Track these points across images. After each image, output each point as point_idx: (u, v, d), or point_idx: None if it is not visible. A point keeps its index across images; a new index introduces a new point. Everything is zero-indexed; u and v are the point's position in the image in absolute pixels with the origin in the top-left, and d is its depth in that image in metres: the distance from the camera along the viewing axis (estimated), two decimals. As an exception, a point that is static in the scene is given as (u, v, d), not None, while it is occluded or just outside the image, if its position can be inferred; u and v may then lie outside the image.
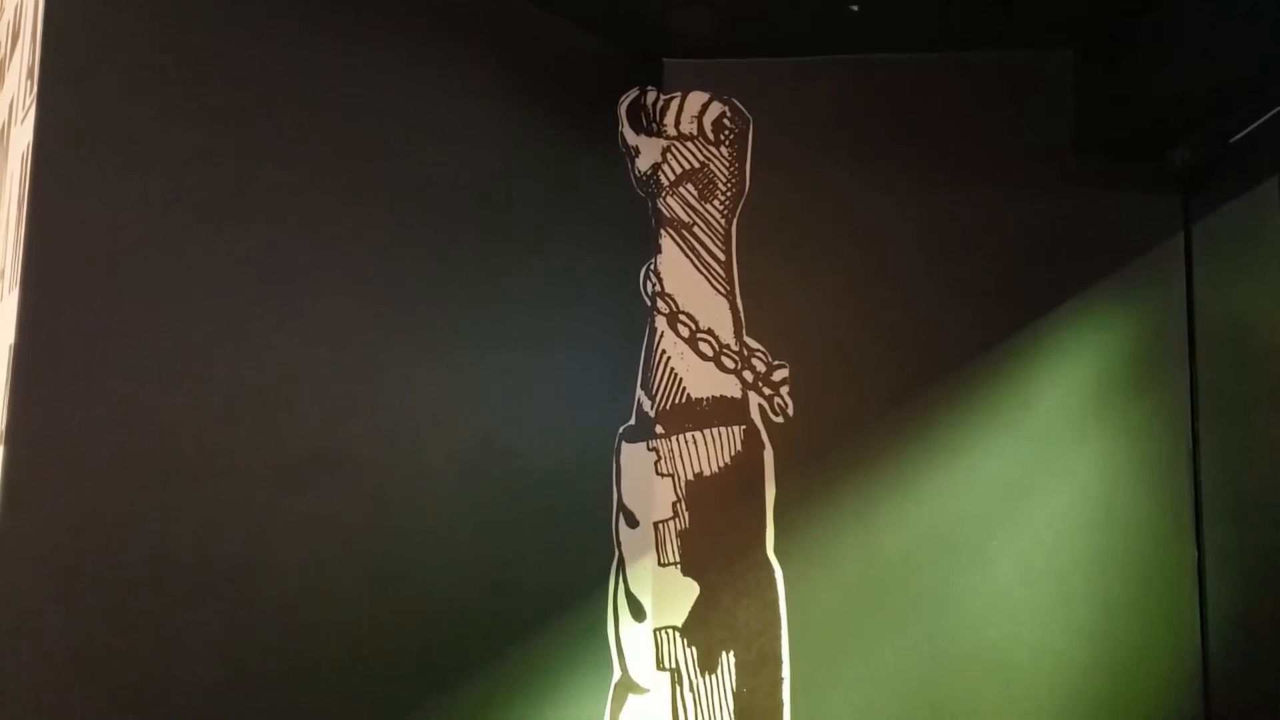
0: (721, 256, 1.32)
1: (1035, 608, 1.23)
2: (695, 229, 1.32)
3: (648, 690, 1.25)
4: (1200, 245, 1.29)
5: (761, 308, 1.30)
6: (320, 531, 0.99)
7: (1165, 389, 1.28)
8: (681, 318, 1.31)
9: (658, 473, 1.29)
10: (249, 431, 0.95)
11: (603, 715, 1.22)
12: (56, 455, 0.85)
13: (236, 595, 0.93)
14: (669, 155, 1.33)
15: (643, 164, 1.33)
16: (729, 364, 1.31)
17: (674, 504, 1.29)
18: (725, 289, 1.32)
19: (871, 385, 1.28)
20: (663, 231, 1.32)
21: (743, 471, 1.29)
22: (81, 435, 0.86)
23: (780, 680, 1.24)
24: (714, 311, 1.31)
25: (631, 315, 1.30)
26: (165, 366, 0.91)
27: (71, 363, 0.86)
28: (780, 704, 1.23)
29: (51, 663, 0.83)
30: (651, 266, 1.32)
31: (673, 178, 1.33)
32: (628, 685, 1.25)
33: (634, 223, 1.32)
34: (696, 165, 1.33)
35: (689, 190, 1.33)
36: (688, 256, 1.32)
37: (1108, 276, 1.30)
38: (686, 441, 1.29)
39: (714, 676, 1.25)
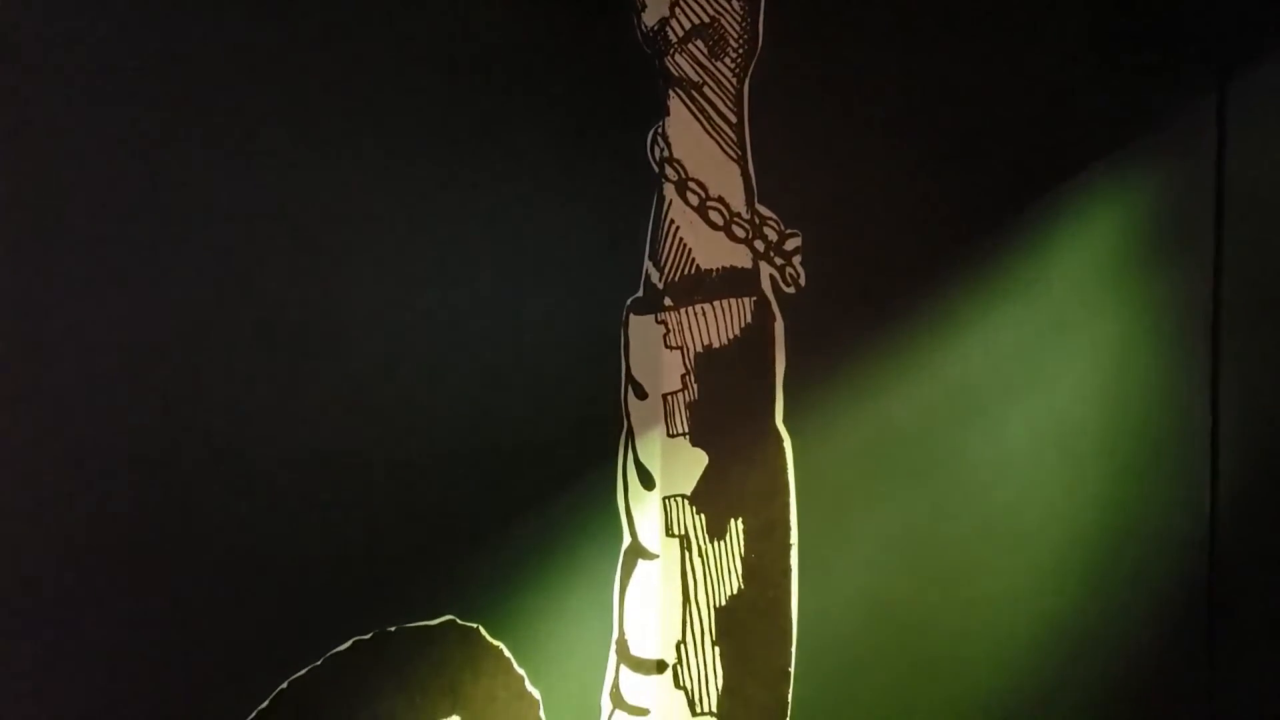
0: (733, 119, 1.25)
1: (1044, 474, 1.24)
2: (705, 89, 1.25)
3: (657, 556, 1.28)
4: (1233, 112, 1.22)
5: (774, 174, 1.25)
6: (325, 400, 0.98)
7: (1188, 261, 1.25)
8: (691, 185, 1.26)
9: (666, 345, 1.27)
10: (251, 303, 0.93)
11: (613, 579, 1.25)
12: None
13: (240, 468, 0.93)
14: (677, 8, 1.24)
15: (649, 18, 1.23)
16: (740, 233, 1.26)
17: (683, 376, 1.27)
18: (736, 154, 1.26)
19: (886, 254, 1.25)
20: (671, 92, 1.25)
21: (753, 343, 1.27)
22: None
23: (789, 546, 1.26)
24: (724, 178, 1.26)
25: (638, 183, 1.25)
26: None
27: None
28: (788, 568, 1.26)
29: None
30: (659, 130, 1.25)
31: (681, 33, 1.24)
32: (638, 551, 1.27)
33: (640, 83, 1.24)
34: (707, 20, 1.24)
35: (698, 47, 1.24)
36: (697, 119, 1.25)
37: (1134, 143, 1.24)
38: (695, 314, 1.27)
39: (723, 543, 1.28)
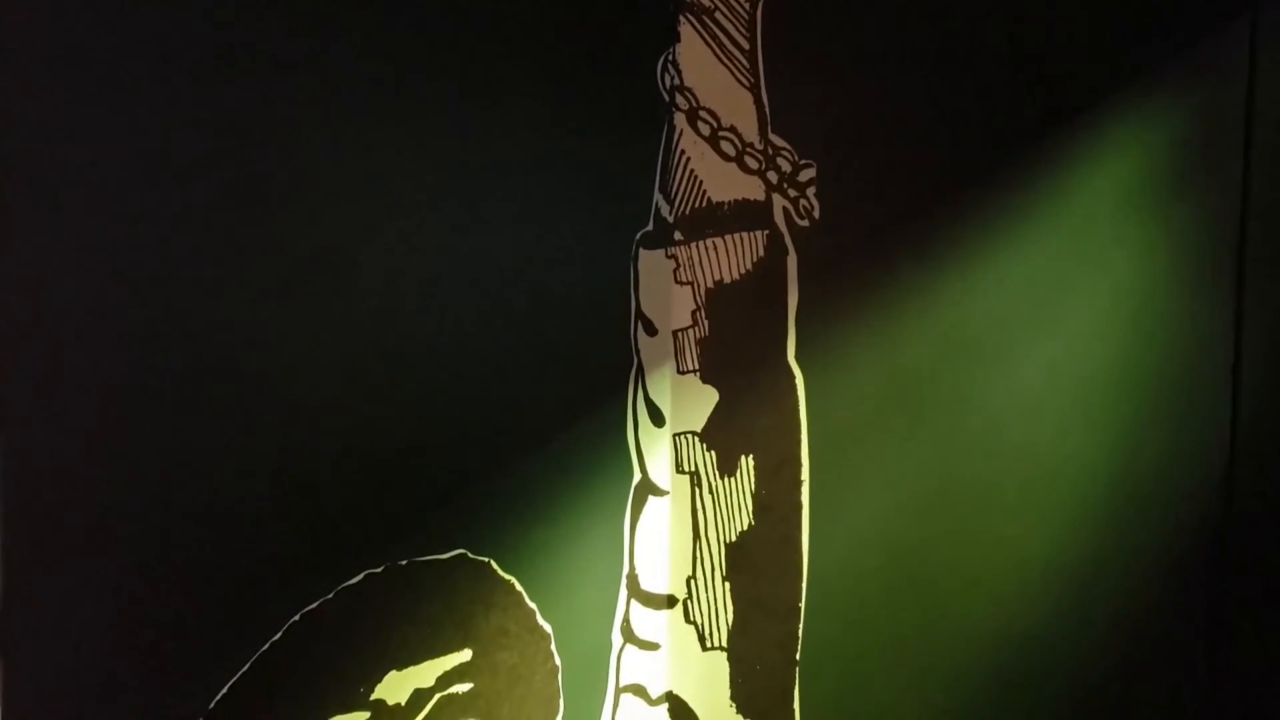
0: (746, 45, 1.21)
1: (1059, 411, 1.23)
2: (718, 15, 1.21)
3: (667, 492, 1.27)
4: (1265, 37, 1.18)
5: (788, 103, 1.21)
6: (329, 333, 0.98)
7: (1214, 190, 1.22)
8: (702, 114, 1.22)
9: (677, 280, 1.25)
10: (253, 230, 0.92)
11: (624, 515, 1.25)
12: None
13: (239, 398, 0.93)
14: (688, -71, 1.20)
15: (659, -61, 1.19)
16: (752, 164, 1.23)
17: (693, 312, 1.26)
18: (749, 82, 1.22)
19: (902, 186, 1.22)
20: (682, 18, 1.21)
21: (764, 278, 1.25)
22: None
23: (800, 482, 1.25)
24: (737, 107, 1.22)
25: (648, 113, 1.22)
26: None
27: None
28: (799, 505, 1.26)
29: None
30: (670, 58, 1.21)
31: (692, -45, 1.20)
32: (648, 487, 1.27)
33: (651, 9, 1.20)
34: (719, -60, 1.19)
35: (710, -31, 1.20)
36: (709, 46, 1.21)
37: (1162, 68, 1.20)
38: (707, 248, 1.24)
39: (733, 479, 1.27)
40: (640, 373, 1.26)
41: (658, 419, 1.27)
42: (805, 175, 1.23)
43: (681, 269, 1.25)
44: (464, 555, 1.08)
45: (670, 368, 1.27)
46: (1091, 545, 1.23)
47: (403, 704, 1.03)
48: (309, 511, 0.97)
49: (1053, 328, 1.24)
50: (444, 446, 1.07)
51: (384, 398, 1.02)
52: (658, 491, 1.27)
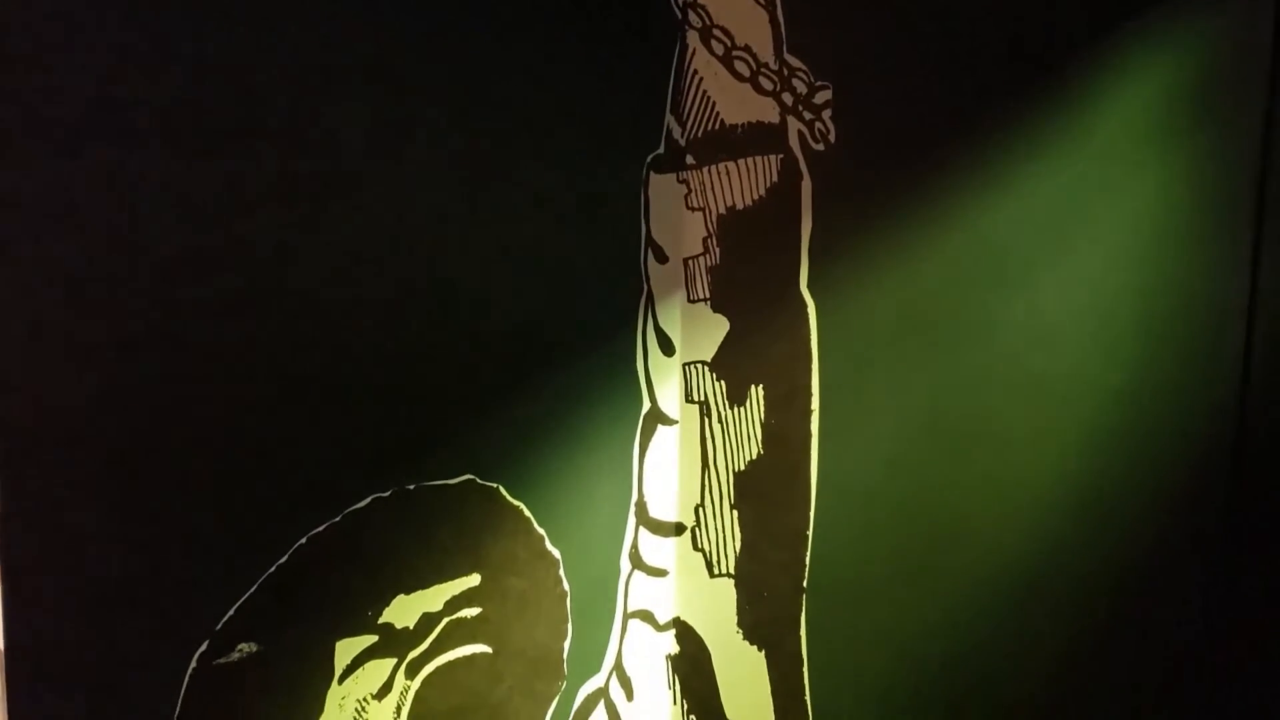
0: (762, -41, 1.17)
1: (1076, 338, 1.21)
2: (733, -75, 1.16)
3: (676, 422, 1.26)
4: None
5: (804, 22, 1.17)
6: (337, 257, 0.96)
7: (1239, 115, 1.18)
8: (715, 32, 1.18)
9: (688, 206, 1.22)
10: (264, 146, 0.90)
11: (633, 444, 1.24)
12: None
13: (244, 321, 0.91)
14: None
15: None
16: (767, 85, 1.19)
17: (704, 239, 1.23)
18: (765, -2, 1.18)
19: (919, 109, 1.18)
20: (695, -71, 1.16)
21: (778, 204, 1.22)
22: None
23: (810, 412, 1.24)
24: (751, 25, 1.18)
25: (659, 30, 1.17)
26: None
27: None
28: (809, 434, 1.25)
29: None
30: (682, -28, 1.17)
31: None
32: (657, 416, 1.26)
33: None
34: None
35: (726, -124, 1.15)
36: (723, -41, 1.17)
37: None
38: (719, 172, 1.21)
39: (743, 409, 1.26)
40: (650, 301, 1.24)
41: (667, 348, 1.26)
42: (821, 97, 1.20)
43: (693, 194, 1.22)
44: (472, 481, 1.08)
45: (680, 296, 1.25)
46: (1105, 474, 1.21)
47: (411, 628, 1.03)
48: (315, 435, 0.96)
49: (1070, 255, 1.21)
50: (452, 372, 1.05)
51: (392, 324, 1.00)
52: (667, 420, 1.26)
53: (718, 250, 1.23)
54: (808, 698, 1.25)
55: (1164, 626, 1.20)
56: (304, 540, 0.95)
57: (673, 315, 1.25)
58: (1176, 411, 1.23)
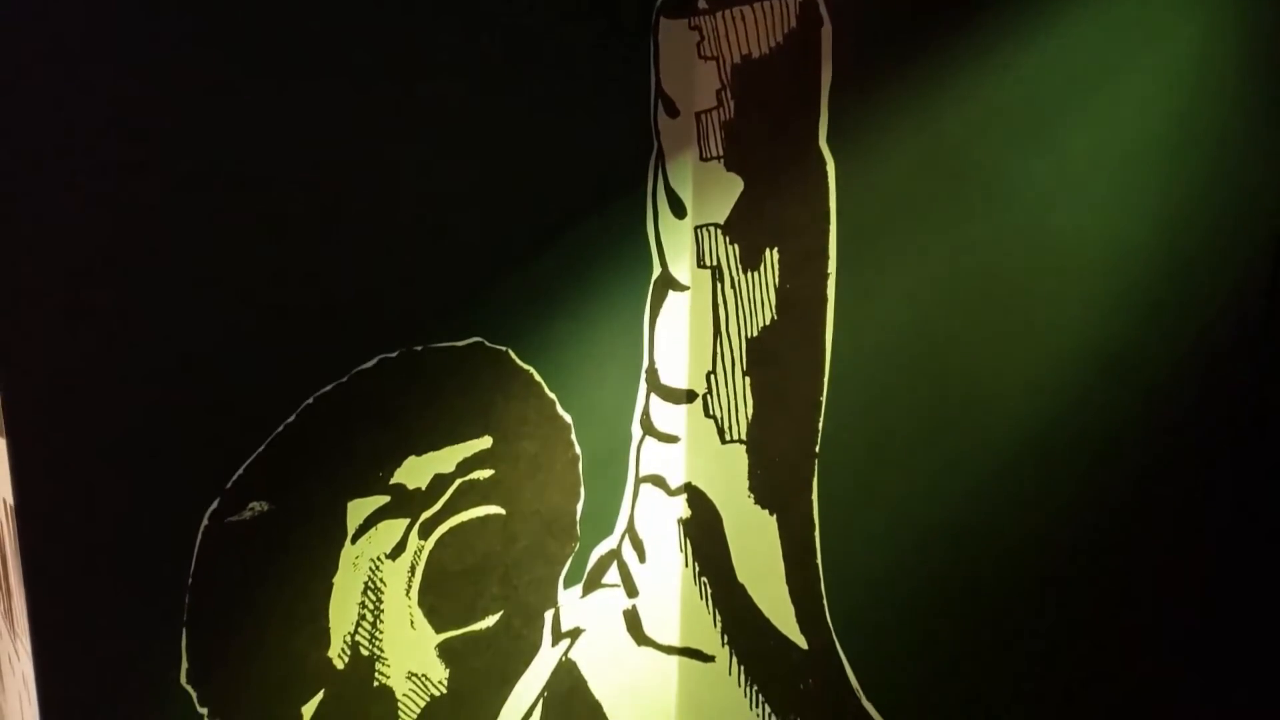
0: None
1: (1105, 194, 1.16)
2: None
3: (688, 288, 1.23)
4: None
5: None
6: (352, 123, 0.91)
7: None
8: None
9: (700, 55, 1.16)
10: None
11: (643, 311, 1.21)
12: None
13: (251, 181, 0.87)
14: None
15: None
16: (786, -79, 1.11)
17: (718, 92, 1.17)
18: None
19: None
20: None
21: (796, 52, 1.15)
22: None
23: (826, 275, 1.21)
24: None
25: None
26: None
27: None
28: (825, 299, 1.22)
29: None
30: None
31: None
32: (668, 282, 1.22)
33: None
34: None
35: None
36: None
37: None
38: (734, 18, 1.14)
39: (756, 273, 1.22)
40: (660, 159, 1.19)
41: (679, 210, 1.21)
42: (844, -66, 1.12)
43: (706, 42, 1.15)
44: (481, 343, 1.05)
45: (692, 154, 1.20)
46: (1130, 337, 1.18)
47: (423, 488, 1.02)
48: (320, 292, 0.93)
49: (1102, 106, 1.15)
50: (458, 230, 1.01)
51: (396, 184, 0.96)
52: (678, 286, 1.23)
53: (732, 104, 1.17)
54: (819, 560, 1.26)
55: (1192, 493, 1.20)
56: (311, 400, 0.93)
57: (684, 174, 1.20)
58: (1206, 272, 1.18)
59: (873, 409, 1.24)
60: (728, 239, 1.22)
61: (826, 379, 1.24)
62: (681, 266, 1.22)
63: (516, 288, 1.08)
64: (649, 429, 1.24)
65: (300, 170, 0.90)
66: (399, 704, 1.05)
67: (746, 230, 1.21)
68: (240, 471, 0.90)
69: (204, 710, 0.91)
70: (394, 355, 0.98)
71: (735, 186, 1.20)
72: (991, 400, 1.22)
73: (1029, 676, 1.25)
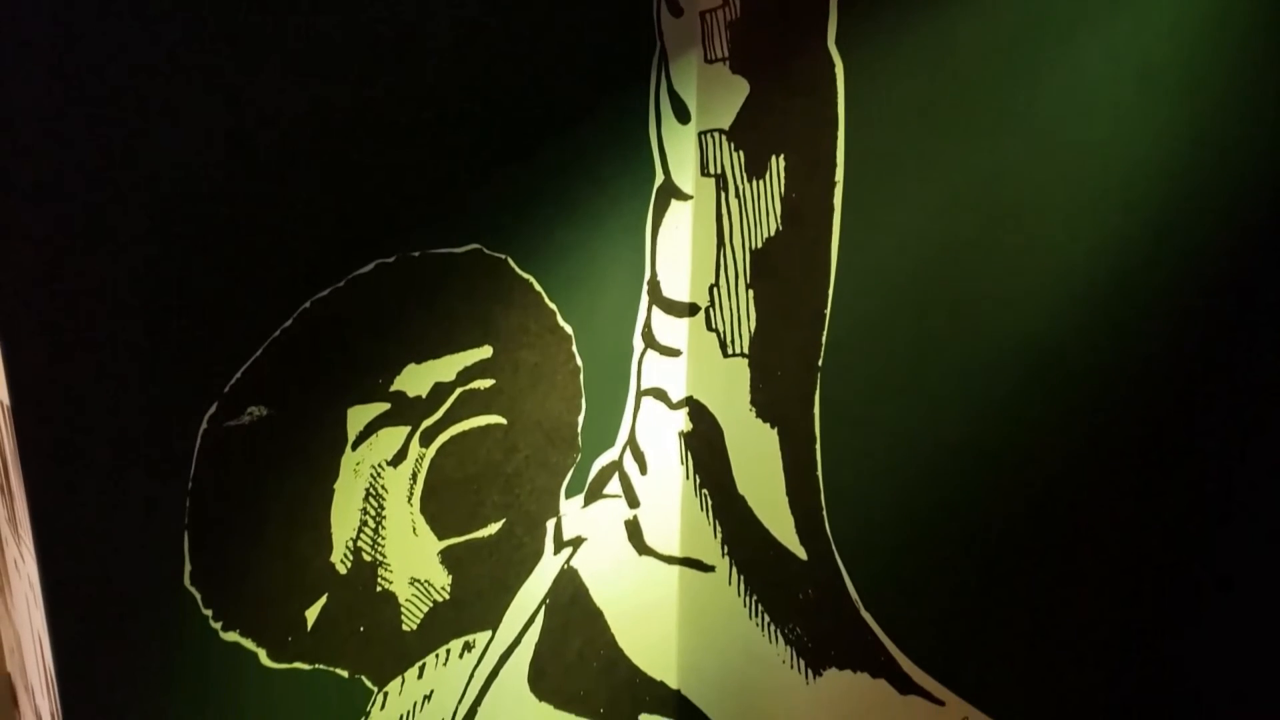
0: None
1: (1120, 104, 1.12)
2: None
3: (691, 197, 1.20)
4: None
5: None
6: (328, 22, 0.87)
7: None
8: None
9: (706, -50, 1.11)
10: None
11: (644, 221, 1.19)
12: None
13: (247, 74, 0.84)
14: None
15: None
16: None
17: (724, -11, 1.13)
18: None
19: None
20: None
21: (806, -52, 1.10)
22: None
23: (834, 184, 1.18)
24: None
25: None
26: None
27: None
28: (831, 208, 1.19)
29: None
30: None
31: None
32: (670, 190, 1.20)
33: None
34: None
35: None
36: None
37: None
38: (742, -91, 1.09)
39: (762, 182, 1.20)
40: (663, 60, 1.15)
41: (682, 114, 1.18)
42: None
43: (712, -64, 1.10)
44: (479, 250, 1.03)
45: (697, 55, 1.16)
46: (1142, 251, 1.16)
47: (424, 396, 1.02)
48: (316, 196, 0.91)
49: (1122, 18, 1.11)
50: (452, 132, 0.98)
51: (394, 80, 0.93)
52: (681, 195, 1.20)
53: (738, 2, 1.13)
54: (819, 473, 1.26)
55: (1199, 411, 1.19)
56: (308, 304, 0.92)
57: (688, 77, 1.17)
58: (1224, 191, 1.16)
59: (877, 322, 1.23)
60: (732, 145, 1.19)
61: (831, 291, 1.22)
62: (685, 174, 1.19)
63: (515, 194, 1.05)
64: (650, 342, 1.23)
65: (295, 67, 0.87)
66: (402, 609, 1.06)
67: (752, 136, 1.18)
68: (238, 375, 0.89)
69: (209, 612, 0.92)
70: (391, 261, 0.97)
71: (741, 90, 1.17)
72: (997, 314, 1.21)
73: (1027, 588, 1.26)
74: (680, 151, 1.18)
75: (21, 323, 0.78)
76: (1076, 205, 1.16)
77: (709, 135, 1.19)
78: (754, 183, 1.20)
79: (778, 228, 1.21)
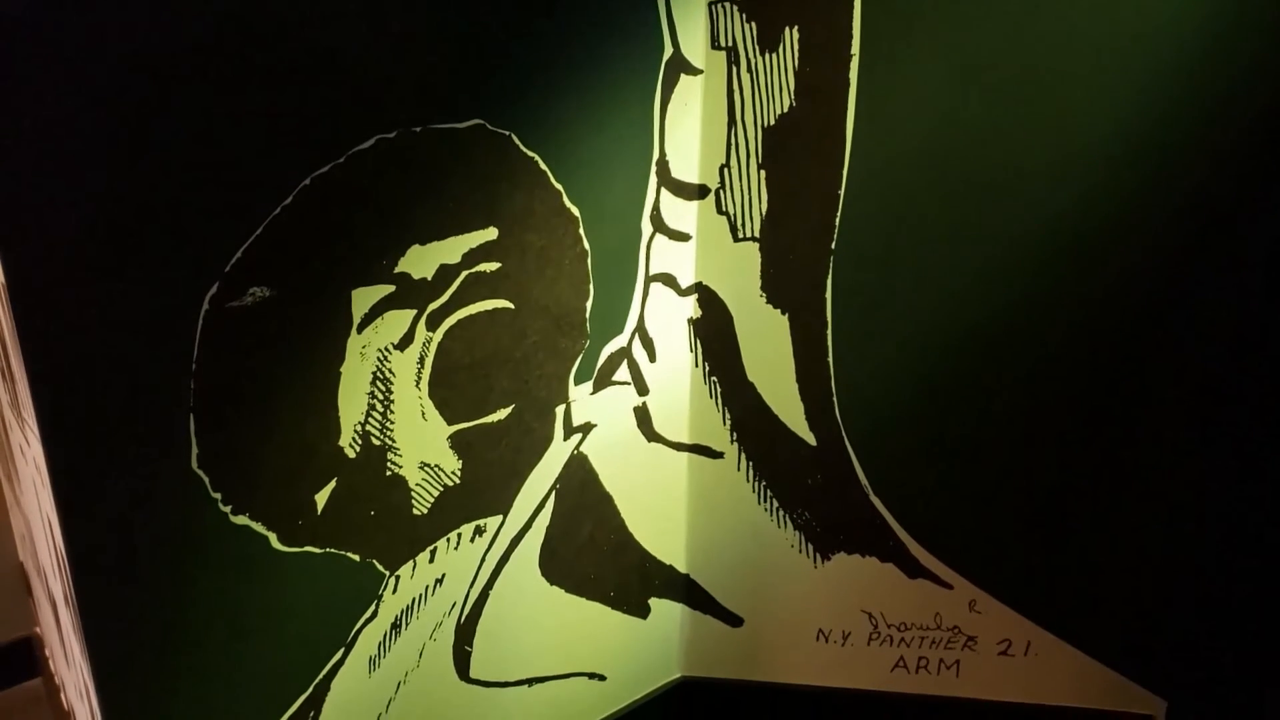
0: None
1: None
2: None
3: (701, 71, 1.15)
4: None
5: None
6: None
7: None
8: None
9: None
10: None
11: (654, 95, 1.14)
12: None
13: None
14: None
15: None
16: None
17: None
18: None
19: None
20: None
21: None
22: None
23: (850, 58, 1.13)
24: None
25: None
26: None
27: None
28: (847, 84, 1.14)
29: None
30: None
31: None
32: (680, 64, 1.15)
33: None
34: None
35: None
36: None
37: None
38: None
39: (775, 55, 1.14)
40: (673, -77, 1.09)
41: (692, -20, 1.12)
42: None
43: None
44: (482, 126, 0.99)
45: (708, -82, 1.09)
46: (1167, 137, 1.12)
47: (429, 279, 0.99)
48: (311, 66, 0.86)
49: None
50: (451, 8, 0.93)
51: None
52: (690, 69, 1.15)
53: None
54: (830, 359, 1.25)
55: (1222, 286, 1.16)
56: (308, 181, 0.89)
57: (699, -58, 1.10)
58: (1253, 66, 1.10)
59: (892, 204, 1.19)
60: (744, 15, 1.13)
61: (846, 172, 1.18)
62: (695, 47, 1.14)
63: (517, 66, 1.01)
64: (659, 225, 1.19)
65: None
66: (412, 493, 1.06)
67: (765, 6, 1.12)
68: (238, 255, 0.86)
69: (218, 495, 0.91)
70: (391, 136, 0.93)
71: (754, -46, 1.11)
72: (1019, 195, 1.17)
73: (1038, 474, 1.26)
74: (690, 21, 1.12)
75: (16, 199, 0.75)
76: (1099, 81, 1.11)
77: (720, 4, 1.13)
78: (767, 56, 1.14)
79: (791, 103, 1.16)
